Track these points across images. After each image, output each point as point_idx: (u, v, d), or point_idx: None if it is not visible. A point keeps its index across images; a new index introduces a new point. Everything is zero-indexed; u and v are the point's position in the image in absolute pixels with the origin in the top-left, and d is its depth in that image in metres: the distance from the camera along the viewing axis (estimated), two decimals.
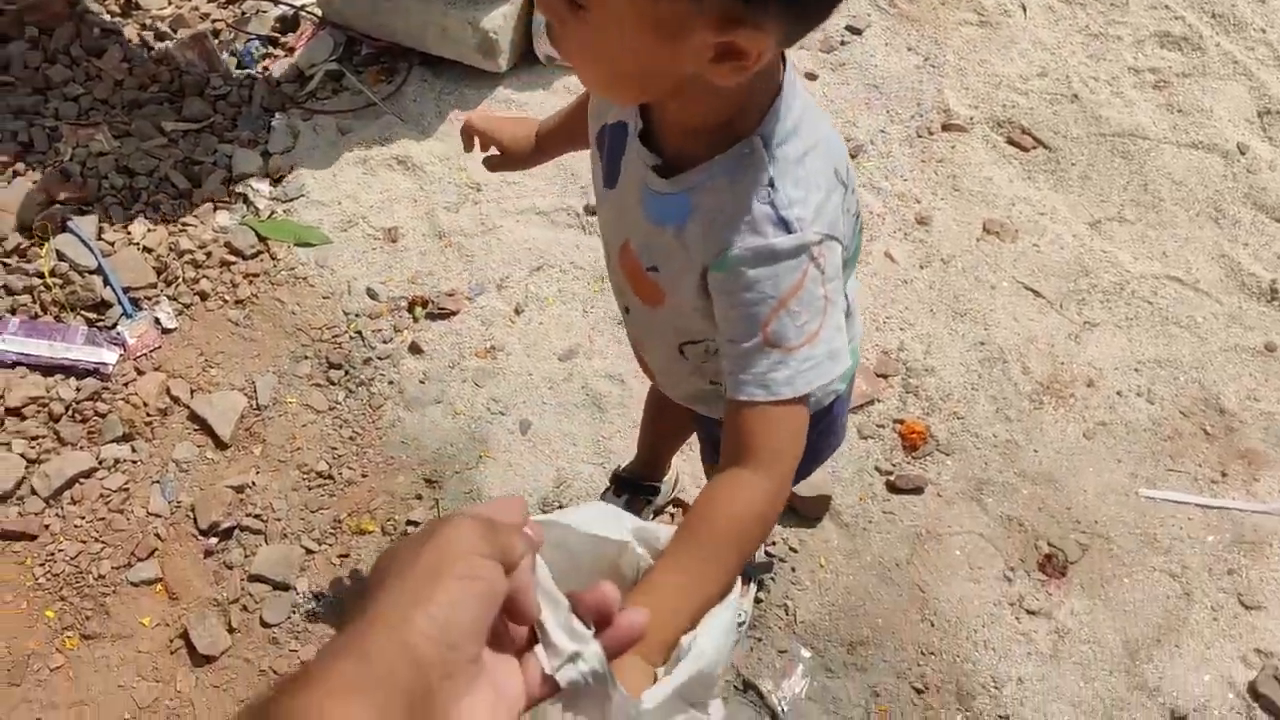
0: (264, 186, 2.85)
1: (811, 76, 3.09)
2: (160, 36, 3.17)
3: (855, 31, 3.21)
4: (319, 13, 3.15)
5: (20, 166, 2.86)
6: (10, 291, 2.63)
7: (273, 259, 2.73)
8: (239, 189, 2.84)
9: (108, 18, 3.21)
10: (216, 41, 3.13)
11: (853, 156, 2.81)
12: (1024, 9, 3.20)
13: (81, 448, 2.44)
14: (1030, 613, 2.19)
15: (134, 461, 2.42)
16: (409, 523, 2.32)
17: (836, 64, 3.14)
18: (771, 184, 1.06)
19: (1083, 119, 2.95)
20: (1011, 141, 2.91)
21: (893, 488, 2.33)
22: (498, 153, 1.64)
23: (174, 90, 3.06)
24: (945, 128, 2.96)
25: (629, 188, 1.22)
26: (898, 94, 3.05)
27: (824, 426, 1.62)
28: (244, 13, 3.23)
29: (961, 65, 3.13)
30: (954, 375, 2.47)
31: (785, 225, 1.05)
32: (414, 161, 2.90)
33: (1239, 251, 2.68)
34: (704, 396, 1.48)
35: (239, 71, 3.11)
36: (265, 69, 3.12)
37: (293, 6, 3.22)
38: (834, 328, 1.09)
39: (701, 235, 1.11)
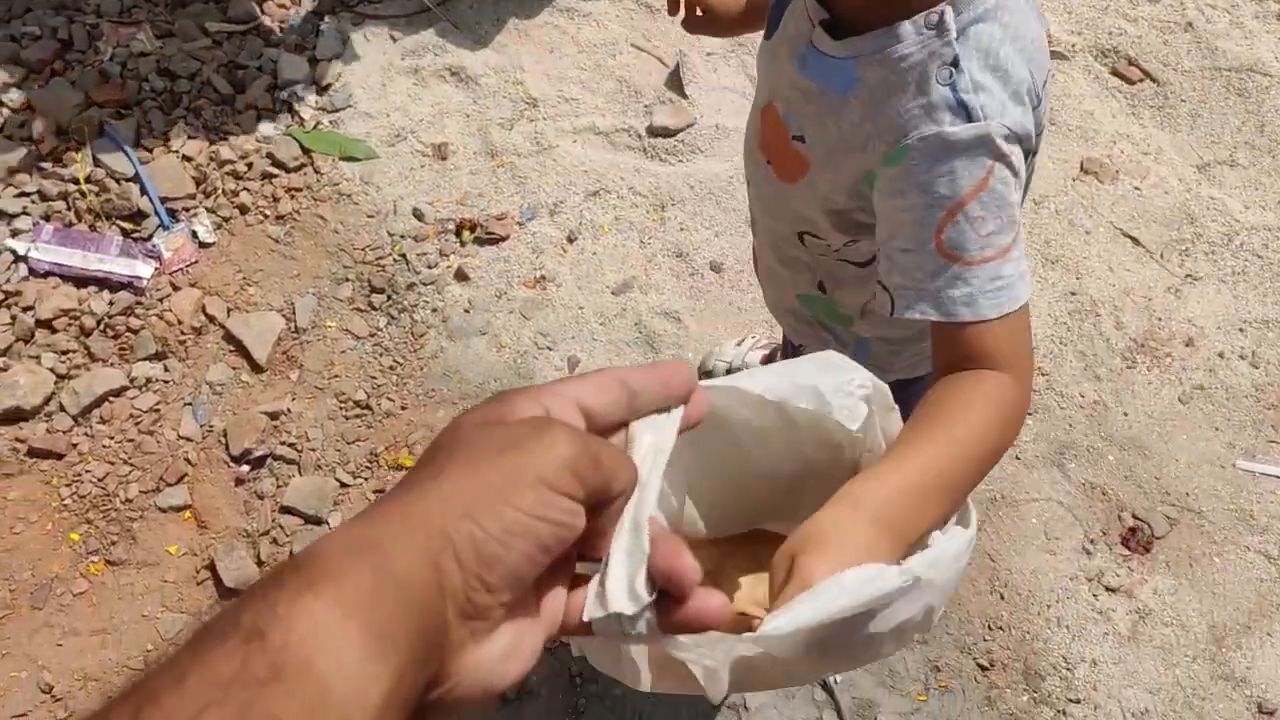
0: (310, 95, 2.70)
1: None
2: None
3: None
4: None
5: (58, 65, 2.72)
6: (45, 197, 2.52)
7: (316, 173, 2.58)
8: (284, 96, 2.69)
9: None
10: None
11: None
12: None
13: (112, 364, 2.34)
14: (1109, 590, 2.03)
15: (166, 381, 2.32)
16: None
17: None
18: (955, 63, 0.89)
19: (1196, 51, 2.69)
20: (1116, 73, 2.66)
21: None
22: (699, 12, 1.45)
23: None
24: None
25: (786, 41, 1.06)
26: None
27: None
28: None
29: None
30: (1041, 327, 2.28)
31: (966, 112, 0.89)
32: (468, 73, 2.72)
33: None
34: (810, 305, 1.32)
35: None
36: None
37: None
38: (1020, 243, 0.92)
39: (864, 118, 0.95)
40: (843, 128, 0.98)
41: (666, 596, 0.52)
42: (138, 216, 2.50)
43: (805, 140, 1.06)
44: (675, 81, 2.67)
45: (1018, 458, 2.15)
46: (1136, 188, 2.48)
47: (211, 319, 2.40)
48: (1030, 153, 1.00)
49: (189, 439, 2.26)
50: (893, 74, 0.92)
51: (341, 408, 2.29)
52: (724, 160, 2.53)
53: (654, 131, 2.58)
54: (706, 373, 2.21)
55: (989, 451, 0.85)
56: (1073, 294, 2.33)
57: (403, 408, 2.28)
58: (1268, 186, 2.48)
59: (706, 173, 2.51)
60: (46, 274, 2.42)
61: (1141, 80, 2.65)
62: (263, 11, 2.87)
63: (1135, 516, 2.09)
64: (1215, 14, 2.75)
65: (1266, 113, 2.58)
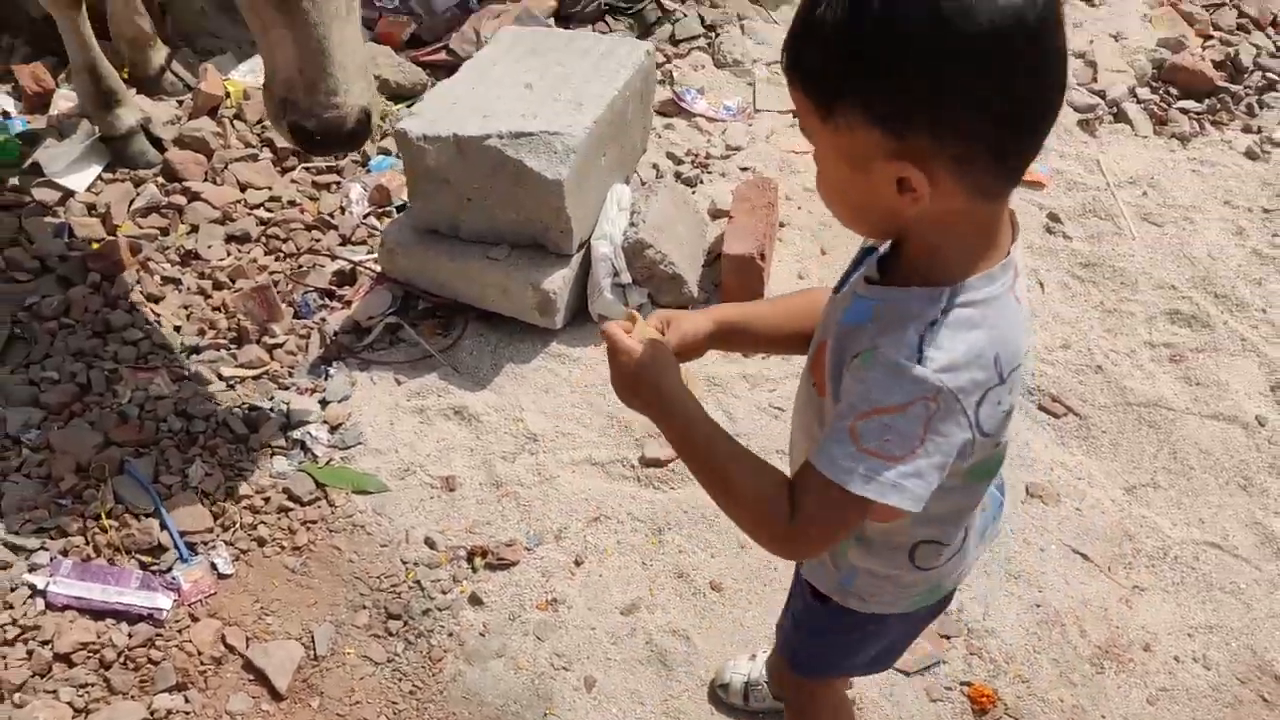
0: (322, 434, 2.89)
1: None
2: (219, 286, 3.27)
3: None
4: (377, 268, 3.28)
5: (78, 407, 2.88)
6: (64, 533, 2.61)
7: (330, 505, 2.74)
8: (296, 435, 2.88)
9: (168, 266, 3.31)
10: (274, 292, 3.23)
11: None
12: (1041, 285, 3.41)
13: (133, 697, 2.36)
14: None
15: (187, 713, 2.35)
16: None
17: None
18: (933, 324, 1.19)
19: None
20: (1043, 408, 3.04)
21: None
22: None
23: (231, 338, 3.14)
24: None
25: (846, 295, 1.37)
26: None
27: (866, 634, 1.70)
28: (301, 265, 3.35)
29: None
30: (1014, 637, 2.50)
31: (918, 356, 1.17)
32: (470, 411, 2.96)
33: (1271, 520, 2.77)
34: None
35: (296, 321, 3.21)
36: (323, 320, 3.21)
37: (351, 262, 3.35)
38: (914, 472, 1.19)
39: (869, 336, 1.25)
40: (857, 344, 1.27)
41: None
42: (157, 550, 2.60)
43: (826, 366, 1.36)
44: None
45: None
46: (1077, 508, 2.79)
47: (231, 649, 2.46)
48: (1002, 426, 1.29)
49: None
50: (896, 316, 1.22)
51: None
52: None
53: (646, 462, 2.83)
54: (723, 685, 2.35)
55: (725, 486, 1.32)
56: (1038, 606, 2.57)
57: None
58: (1188, 505, 2.82)
59: (698, 499, 2.74)
60: (65, 607, 2.48)
61: (1066, 414, 3.03)
62: (272, 358, 3.10)
63: None
64: (1119, 357, 3.19)
65: (1176, 441, 2.96)
